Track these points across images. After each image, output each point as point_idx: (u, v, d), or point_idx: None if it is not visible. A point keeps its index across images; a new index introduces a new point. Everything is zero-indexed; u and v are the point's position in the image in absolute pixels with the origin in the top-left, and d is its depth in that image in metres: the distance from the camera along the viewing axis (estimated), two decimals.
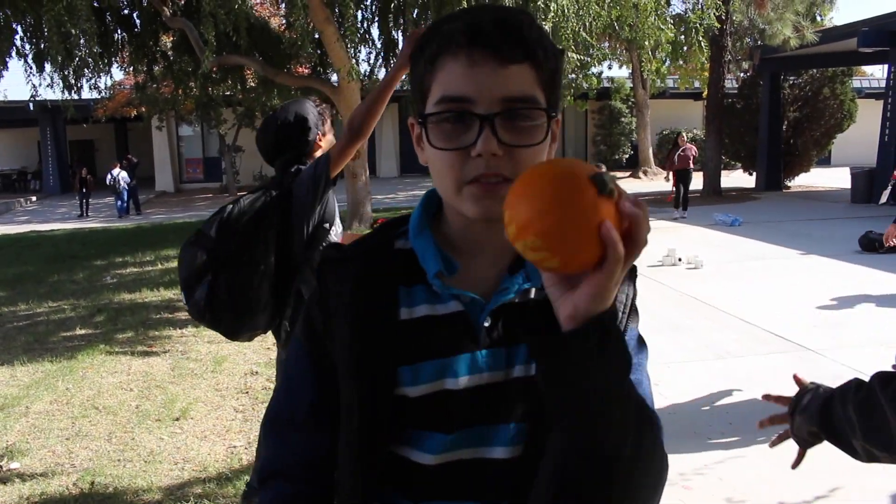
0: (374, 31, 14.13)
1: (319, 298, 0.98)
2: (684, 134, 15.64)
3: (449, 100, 0.86)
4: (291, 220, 2.65)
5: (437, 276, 0.91)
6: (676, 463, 3.65)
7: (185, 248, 2.63)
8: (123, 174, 19.83)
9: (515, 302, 0.93)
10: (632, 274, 0.97)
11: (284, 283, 2.70)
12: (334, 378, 0.96)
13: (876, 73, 31.52)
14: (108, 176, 20.09)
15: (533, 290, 0.94)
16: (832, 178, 20.64)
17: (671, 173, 14.44)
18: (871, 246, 9.20)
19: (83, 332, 6.89)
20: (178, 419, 4.53)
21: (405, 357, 0.91)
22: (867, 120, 18.98)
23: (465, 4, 9.91)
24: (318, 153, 2.74)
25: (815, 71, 18.80)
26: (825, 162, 24.87)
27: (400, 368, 0.91)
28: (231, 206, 2.67)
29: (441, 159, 0.88)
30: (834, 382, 4.51)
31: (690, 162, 13.97)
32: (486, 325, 0.92)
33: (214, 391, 5.02)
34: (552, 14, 9.72)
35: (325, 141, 2.83)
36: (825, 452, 3.62)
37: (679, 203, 13.94)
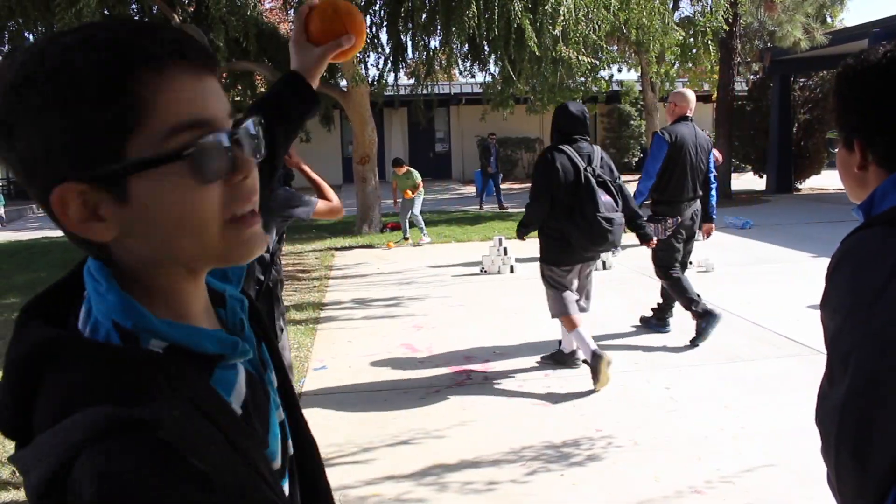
0: (383, 36, 14.19)
1: (200, 458, 0.62)
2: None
3: (189, 125, 0.70)
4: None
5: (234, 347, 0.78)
6: (688, 467, 3.65)
7: None
8: None
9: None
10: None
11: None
12: None
13: None
14: None
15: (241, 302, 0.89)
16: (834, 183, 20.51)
17: None
18: None
19: None
20: None
21: (264, 440, 0.81)
22: None
23: (473, 9, 9.92)
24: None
25: (825, 72, 18.72)
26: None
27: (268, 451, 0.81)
28: None
29: (203, 199, 0.71)
30: None
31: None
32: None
33: None
34: (561, 18, 9.73)
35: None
36: None
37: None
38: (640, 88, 24.89)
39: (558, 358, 5.29)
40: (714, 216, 6.13)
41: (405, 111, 26.16)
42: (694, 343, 5.64)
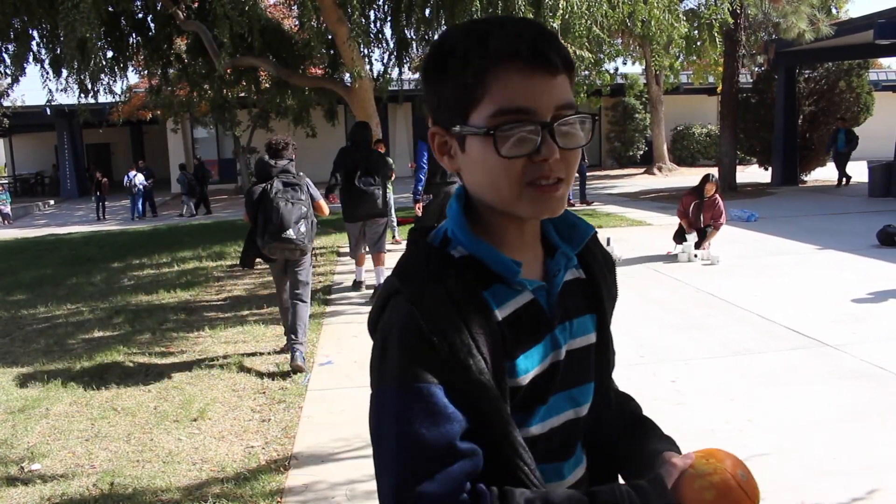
0: (387, 31, 14.16)
1: (432, 327, 0.93)
2: (714, 179, 9.34)
3: (510, 111, 0.94)
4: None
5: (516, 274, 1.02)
6: None
7: (287, 204, 5.31)
8: (140, 177, 19.99)
9: (566, 280, 1.11)
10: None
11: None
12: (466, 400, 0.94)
13: (893, 66, 31.22)
14: (125, 178, 20.29)
15: (573, 270, 1.13)
16: (849, 172, 20.42)
17: (684, 221, 9.31)
18: (890, 240, 9.11)
19: (101, 334, 6.95)
20: (195, 420, 4.55)
21: (511, 352, 1.00)
22: (884, 113, 18.81)
23: (477, 4, 9.91)
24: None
25: (830, 64, 18.64)
26: None
27: (509, 364, 0.99)
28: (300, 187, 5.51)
29: (504, 166, 0.96)
30: (854, 378, 4.50)
31: (711, 217, 9.20)
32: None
33: (231, 391, 5.05)
34: (560, 11, 9.69)
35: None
36: (845, 454, 3.57)
37: (695, 240, 9.16)
38: (645, 81, 24.90)
39: (354, 287, 8.24)
40: None
41: (409, 106, 26.15)
42: None
